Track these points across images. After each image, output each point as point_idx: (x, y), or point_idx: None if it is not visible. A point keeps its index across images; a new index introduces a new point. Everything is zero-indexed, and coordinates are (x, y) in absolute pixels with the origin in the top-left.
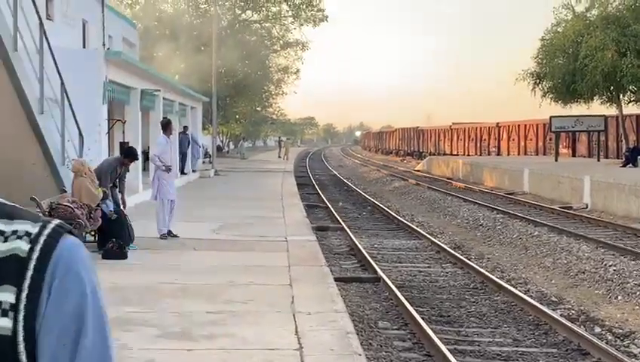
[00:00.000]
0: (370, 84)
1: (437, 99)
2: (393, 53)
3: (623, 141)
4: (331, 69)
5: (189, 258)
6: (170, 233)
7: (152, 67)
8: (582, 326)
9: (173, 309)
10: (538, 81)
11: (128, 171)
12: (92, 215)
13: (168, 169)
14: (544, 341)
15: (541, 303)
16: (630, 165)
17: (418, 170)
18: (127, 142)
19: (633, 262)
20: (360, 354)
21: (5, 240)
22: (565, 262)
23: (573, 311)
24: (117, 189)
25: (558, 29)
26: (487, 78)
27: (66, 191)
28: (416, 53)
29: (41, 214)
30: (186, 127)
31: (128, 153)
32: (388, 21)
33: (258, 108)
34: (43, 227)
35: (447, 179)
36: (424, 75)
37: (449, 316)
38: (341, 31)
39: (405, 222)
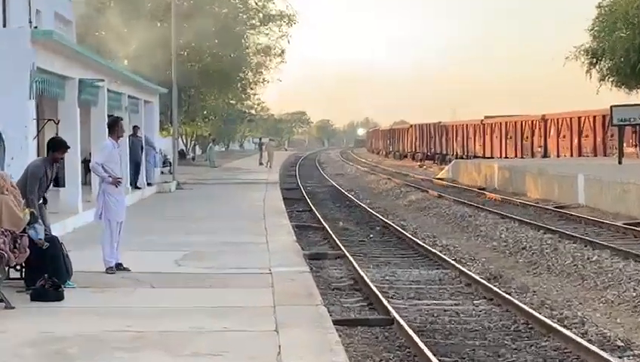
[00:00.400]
0: (378, 69)
1: (464, 87)
2: (406, 30)
3: None
4: (327, 51)
5: (144, 298)
6: (119, 266)
7: (93, 50)
8: None
9: None
10: (594, 60)
11: (62, 169)
12: (17, 244)
13: (117, 182)
14: None
15: (603, 349)
16: None
17: (441, 179)
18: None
19: None
20: None
21: None
22: (634, 295)
23: None
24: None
25: None
26: (529, 59)
27: None
28: (437, 27)
29: None
30: (136, 128)
31: (55, 144)
32: None
33: (232, 102)
34: None
35: (479, 189)
36: (447, 57)
37: None
38: (340, 1)
39: (425, 246)
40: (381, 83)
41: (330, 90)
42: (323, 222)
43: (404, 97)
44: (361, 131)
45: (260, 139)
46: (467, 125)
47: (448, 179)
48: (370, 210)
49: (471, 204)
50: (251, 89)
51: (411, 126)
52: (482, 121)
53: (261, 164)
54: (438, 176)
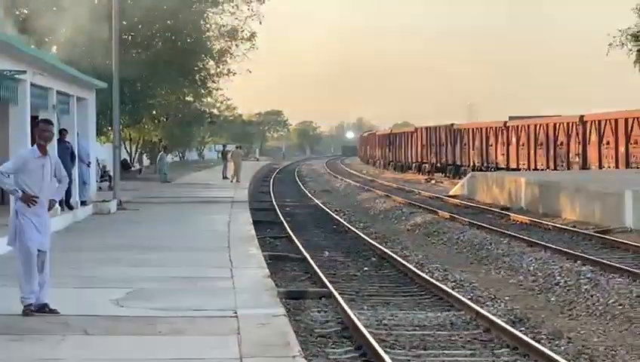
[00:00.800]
0: (374, 57)
1: (482, 82)
2: (410, 11)
3: None
4: (309, 34)
5: (76, 348)
6: (43, 307)
7: (12, 34)
8: None
9: None
10: None
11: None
12: None
13: (30, 200)
14: None
15: None
16: None
17: (454, 196)
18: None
19: None
20: None
21: None
22: None
23: None
24: None
25: None
26: (562, 46)
27: None
28: (450, 8)
29: None
30: (64, 131)
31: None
32: None
33: (189, 99)
34: None
35: (502, 209)
36: (461, 44)
37: None
38: None
39: (433, 281)
40: (378, 76)
41: (314, 87)
42: (304, 252)
43: (407, 94)
44: (350, 135)
45: (225, 146)
46: (487, 128)
47: (463, 196)
48: (364, 237)
49: (491, 229)
50: (213, 82)
51: (416, 129)
52: (506, 123)
53: (225, 177)
54: (450, 193)
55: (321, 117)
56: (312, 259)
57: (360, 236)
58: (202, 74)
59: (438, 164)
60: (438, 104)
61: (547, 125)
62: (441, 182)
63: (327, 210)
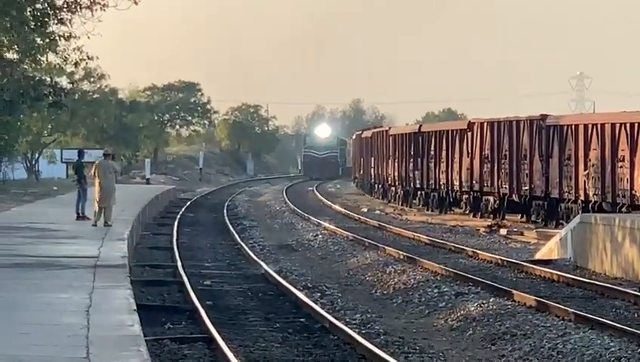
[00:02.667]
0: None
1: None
2: None
3: None
4: None
5: None
6: None
7: None
8: None
9: None
10: None
11: None
12: None
13: None
14: None
15: None
16: None
17: (545, 262)
18: None
19: None
20: None
21: None
22: None
23: None
24: None
25: None
26: None
27: None
28: None
29: None
30: None
31: None
32: None
33: (9, 55)
34: None
35: None
36: None
37: None
38: None
39: None
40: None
41: (271, 49)
42: None
43: (442, 64)
44: (324, 132)
45: (81, 153)
46: (615, 126)
47: (563, 262)
48: (363, 342)
49: (622, 330)
50: (61, 22)
51: (471, 125)
52: None
53: (83, 216)
54: (538, 257)
55: (278, 100)
56: None
57: (355, 340)
58: (39, 4)
59: (515, 197)
60: (507, 80)
61: None
62: (520, 233)
63: (287, 285)
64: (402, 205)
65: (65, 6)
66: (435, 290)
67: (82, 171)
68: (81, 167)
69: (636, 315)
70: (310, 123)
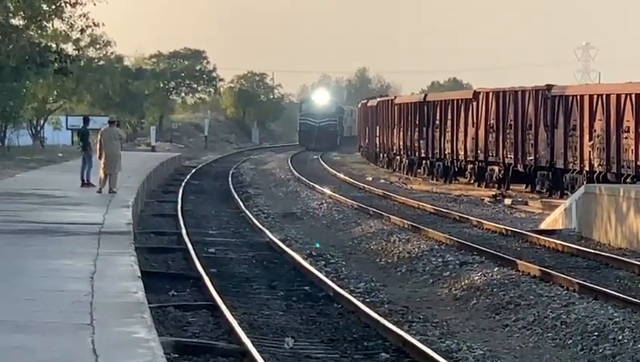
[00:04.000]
0: None
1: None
2: None
3: None
4: None
5: None
6: None
7: None
8: None
9: None
10: None
11: None
12: None
13: None
14: None
15: None
16: None
17: (550, 232)
18: None
19: None
20: None
21: None
22: None
23: None
24: None
25: None
26: None
27: None
28: None
29: None
30: None
31: None
32: None
33: (15, 22)
34: None
35: None
36: None
37: None
38: None
39: None
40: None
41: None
42: (244, 340)
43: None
44: (322, 98)
45: (87, 120)
46: (620, 97)
47: (568, 233)
48: (367, 310)
49: (625, 301)
50: None
51: (476, 95)
52: None
53: (88, 183)
54: (542, 227)
55: (284, 68)
56: (261, 355)
57: (359, 308)
58: None
59: (519, 167)
60: (513, 50)
61: None
62: (525, 203)
63: (291, 253)
64: (407, 174)
65: None
66: (440, 260)
67: (87, 138)
68: (86, 134)
69: (632, 287)
70: (316, 86)
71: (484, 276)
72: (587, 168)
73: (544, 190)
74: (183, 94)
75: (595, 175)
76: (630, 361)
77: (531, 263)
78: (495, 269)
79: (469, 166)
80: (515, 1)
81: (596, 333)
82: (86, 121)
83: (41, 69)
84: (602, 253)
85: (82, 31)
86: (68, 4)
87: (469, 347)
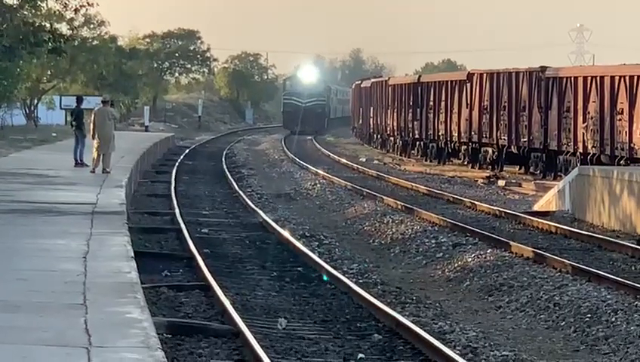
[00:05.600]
0: None
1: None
2: None
3: None
4: None
5: None
6: None
7: None
8: None
9: None
10: None
11: None
12: None
13: None
14: None
15: None
16: None
17: (543, 214)
18: None
19: None
20: None
21: None
22: None
23: None
24: None
25: None
26: None
27: None
28: None
29: None
30: None
31: None
32: None
33: (10, 2)
34: None
35: None
36: None
37: None
38: None
39: None
40: None
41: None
42: (237, 320)
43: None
44: (310, 77)
45: (80, 99)
46: (613, 79)
47: (561, 214)
48: (360, 291)
49: (618, 283)
50: None
51: (470, 76)
52: None
53: (81, 162)
54: (536, 208)
55: (278, 49)
56: (254, 336)
57: (351, 289)
58: None
59: (513, 149)
60: (507, 32)
61: None
62: (519, 185)
63: (284, 234)
64: (401, 155)
65: None
66: (433, 241)
67: (81, 118)
68: (79, 114)
69: (633, 268)
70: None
71: (478, 257)
72: (581, 150)
73: (538, 172)
74: (176, 74)
75: (588, 157)
76: (623, 343)
77: (524, 245)
78: (488, 251)
79: (463, 147)
80: None
81: (589, 315)
82: (79, 100)
83: (34, 48)
84: (595, 235)
85: (76, 10)
86: None
87: (462, 328)
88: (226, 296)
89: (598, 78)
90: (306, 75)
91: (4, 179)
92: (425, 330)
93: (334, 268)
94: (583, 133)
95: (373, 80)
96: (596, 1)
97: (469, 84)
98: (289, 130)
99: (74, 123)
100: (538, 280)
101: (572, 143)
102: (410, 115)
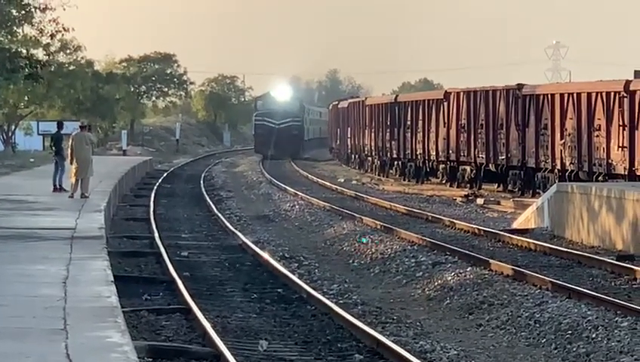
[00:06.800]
0: None
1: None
2: None
3: None
4: None
5: None
6: None
7: None
8: None
9: None
10: None
11: None
12: None
13: None
14: None
15: None
16: None
17: (523, 231)
18: None
19: None
20: None
21: None
22: None
23: None
24: None
25: None
26: None
27: None
28: None
29: None
30: None
31: None
32: None
33: None
34: None
35: (620, 258)
36: None
37: None
38: None
39: None
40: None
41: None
42: (217, 343)
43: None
44: (283, 94)
45: (60, 125)
46: (589, 95)
47: (541, 231)
48: (341, 311)
49: (599, 299)
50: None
51: (447, 95)
52: (628, 84)
53: (60, 188)
54: (515, 226)
55: (254, 71)
56: (235, 358)
57: (332, 310)
58: None
59: (491, 166)
60: (483, 50)
61: None
62: (497, 203)
63: (265, 256)
64: (379, 175)
65: None
66: (413, 260)
67: (61, 143)
68: (59, 139)
69: (613, 284)
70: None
71: (457, 276)
72: (559, 167)
73: (516, 189)
74: (154, 98)
75: (566, 173)
76: (604, 359)
77: (504, 262)
78: (468, 269)
79: (441, 166)
80: (485, 0)
81: (570, 332)
82: (60, 125)
83: (11, 74)
84: (575, 252)
85: (52, 36)
86: (38, 10)
87: (443, 347)
88: (206, 318)
89: (574, 95)
90: (279, 93)
91: None
92: (406, 349)
93: (314, 289)
94: (561, 150)
95: (350, 100)
96: (572, 18)
97: (446, 103)
98: (262, 155)
99: (53, 148)
100: (518, 298)
101: (550, 160)
102: (388, 134)
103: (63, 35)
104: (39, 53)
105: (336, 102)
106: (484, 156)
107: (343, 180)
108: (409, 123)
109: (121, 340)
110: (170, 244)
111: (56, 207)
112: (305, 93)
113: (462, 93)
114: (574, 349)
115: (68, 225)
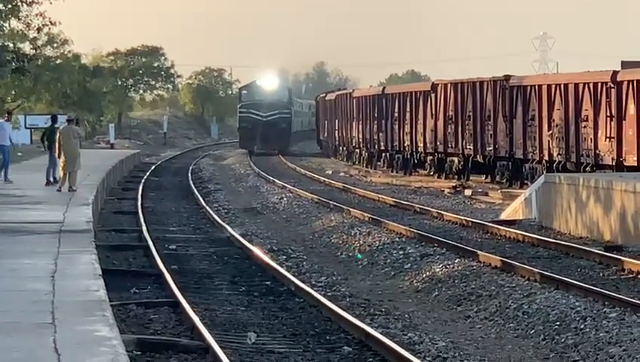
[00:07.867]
0: None
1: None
2: None
3: None
4: None
5: None
6: None
7: None
8: None
9: None
10: None
11: None
12: None
13: None
14: None
15: None
16: None
17: (510, 223)
18: None
19: None
20: None
21: None
22: None
23: None
24: None
25: None
26: None
27: None
28: None
29: None
30: None
31: None
32: None
33: None
34: None
35: (608, 249)
36: None
37: None
38: None
39: None
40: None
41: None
42: (206, 336)
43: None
44: (271, 83)
45: (54, 119)
46: (577, 86)
47: (528, 222)
48: (328, 303)
49: (586, 289)
50: None
51: (434, 86)
52: (615, 74)
53: (51, 181)
54: (503, 217)
55: (241, 63)
56: (223, 351)
57: (320, 302)
58: None
59: (479, 158)
60: (470, 41)
61: None
62: (485, 194)
63: (252, 248)
64: (367, 167)
65: None
66: (401, 252)
67: (54, 137)
68: (52, 133)
69: (601, 274)
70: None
71: (446, 268)
72: (546, 158)
73: (504, 180)
74: (141, 91)
75: (554, 164)
76: (593, 350)
77: (492, 254)
78: (456, 260)
79: (429, 158)
80: None
81: (558, 323)
82: (54, 119)
83: None
84: (563, 243)
85: (39, 30)
86: (24, 3)
87: (432, 339)
88: (194, 311)
89: (562, 86)
90: (266, 82)
91: None
92: (394, 341)
93: (302, 281)
94: (549, 141)
95: (337, 92)
96: (559, 9)
97: (433, 95)
98: (247, 150)
99: (46, 141)
100: (506, 289)
101: (537, 151)
102: (376, 126)
103: (49, 28)
104: (26, 47)
105: (324, 95)
106: (471, 147)
107: (330, 172)
108: (396, 115)
109: (110, 334)
110: (158, 237)
111: (44, 200)
112: (292, 86)
113: (449, 85)
114: (562, 340)
115: (56, 218)
